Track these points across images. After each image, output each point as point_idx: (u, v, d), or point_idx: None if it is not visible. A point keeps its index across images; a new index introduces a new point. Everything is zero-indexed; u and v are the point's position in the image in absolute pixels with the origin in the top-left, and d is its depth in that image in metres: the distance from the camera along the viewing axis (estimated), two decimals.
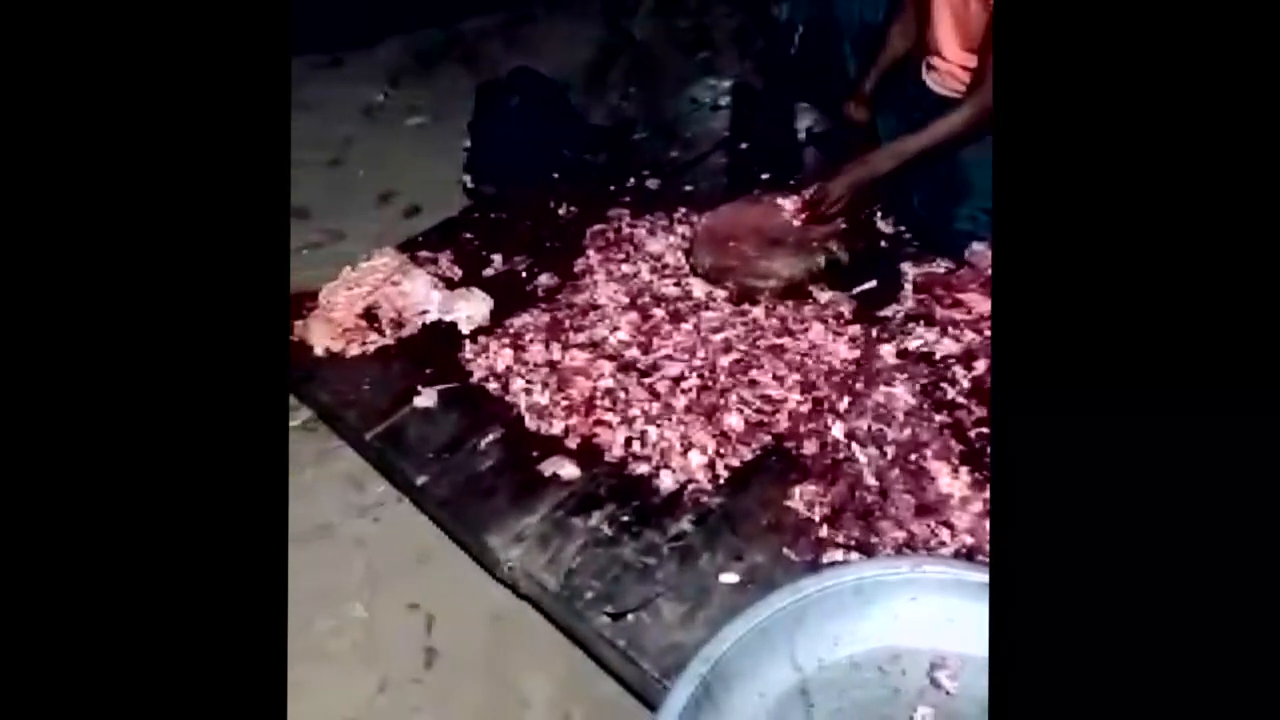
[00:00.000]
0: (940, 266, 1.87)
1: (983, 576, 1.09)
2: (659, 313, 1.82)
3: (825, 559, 1.34)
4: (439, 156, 2.57)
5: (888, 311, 1.78)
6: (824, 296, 1.86)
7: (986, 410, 1.43)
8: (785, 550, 1.37)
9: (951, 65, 1.98)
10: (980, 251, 1.81)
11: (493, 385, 1.73)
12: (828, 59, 2.44)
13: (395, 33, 3.35)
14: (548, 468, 1.55)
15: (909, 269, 1.87)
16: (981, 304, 1.68)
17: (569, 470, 1.54)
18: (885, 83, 2.11)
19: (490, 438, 1.62)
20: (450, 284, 2.01)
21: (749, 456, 1.53)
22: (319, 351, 1.85)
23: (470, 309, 1.91)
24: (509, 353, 1.77)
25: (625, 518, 1.46)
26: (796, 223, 2.01)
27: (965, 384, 1.49)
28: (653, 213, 2.18)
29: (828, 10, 2.35)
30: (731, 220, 2.06)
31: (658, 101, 2.81)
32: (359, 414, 1.72)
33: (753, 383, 1.65)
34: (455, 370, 1.78)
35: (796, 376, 1.65)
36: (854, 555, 1.33)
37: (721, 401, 1.61)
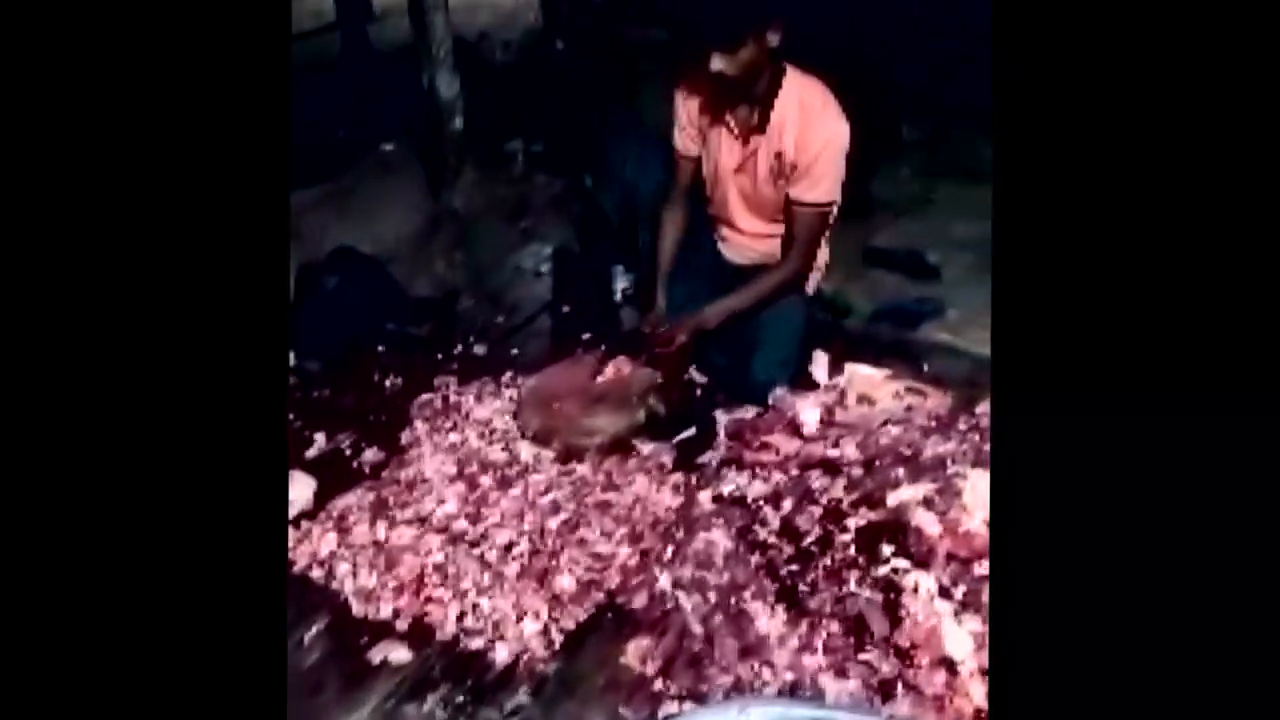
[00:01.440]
0: (749, 412, 2.01)
1: (806, 710, 1.15)
2: (487, 480, 1.85)
3: (660, 713, 1.36)
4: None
5: (704, 458, 1.89)
6: (646, 448, 1.95)
7: (795, 548, 1.53)
8: (622, 710, 1.38)
9: (746, 236, 2.20)
10: (781, 395, 1.97)
11: (316, 573, 1.68)
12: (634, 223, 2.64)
13: None
14: (377, 654, 1.50)
15: (721, 416, 1.99)
16: (787, 445, 1.82)
17: (399, 654, 1.50)
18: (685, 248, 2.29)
19: (315, 629, 1.56)
20: None
21: (582, 617, 1.55)
22: None
23: (292, 494, 1.87)
24: (333, 536, 1.74)
25: (460, 699, 1.43)
26: (621, 374, 2.12)
27: (775, 524, 1.59)
28: (479, 379, 2.24)
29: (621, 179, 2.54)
30: (555, 381, 2.15)
31: (481, 269, 2.92)
32: None
33: (582, 541, 1.68)
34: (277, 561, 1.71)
35: (624, 530, 1.70)
36: (687, 705, 1.36)
37: (553, 564, 1.63)
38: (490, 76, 4.84)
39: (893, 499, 1.56)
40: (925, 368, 2.16)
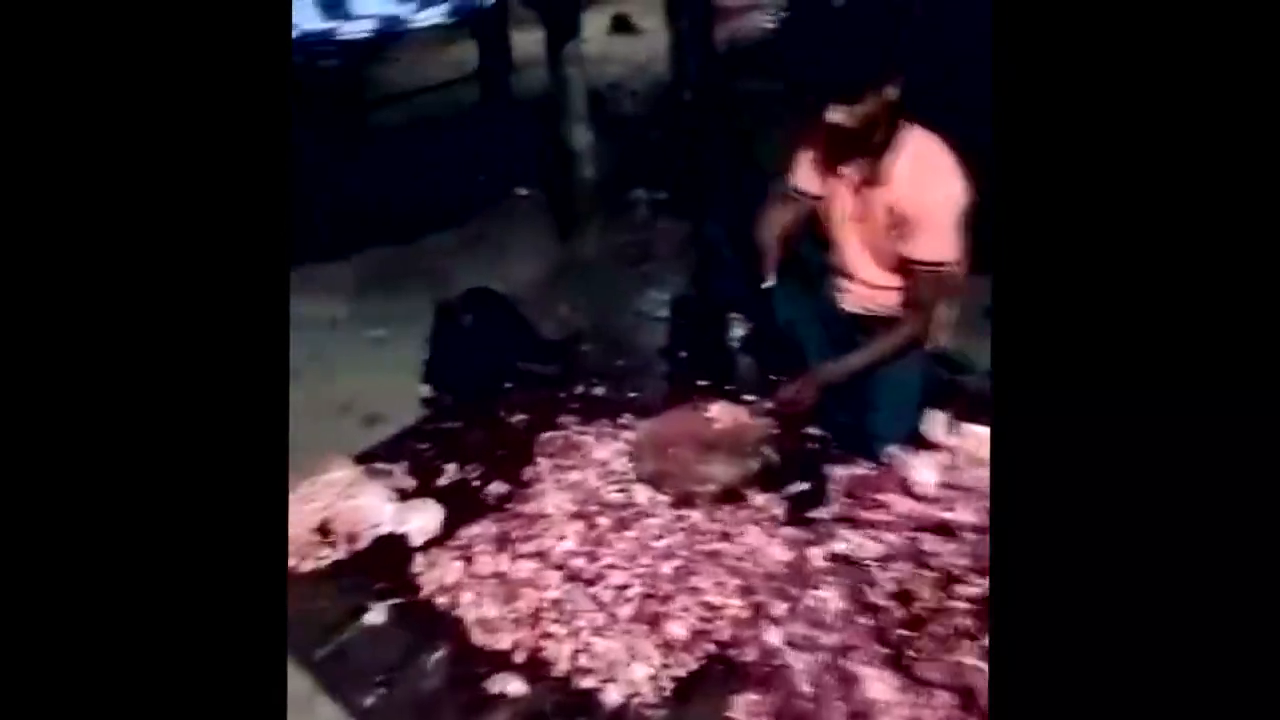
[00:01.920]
0: (864, 469, 2.00)
1: None
2: (604, 520, 1.92)
3: None
4: (397, 369, 2.72)
5: (816, 514, 1.89)
6: (758, 499, 1.97)
7: (908, 612, 1.52)
8: None
9: (866, 287, 2.21)
10: (897, 453, 1.96)
11: (442, 599, 1.78)
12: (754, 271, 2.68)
13: (358, 249, 3.60)
14: (495, 685, 1.58)
15: (834, 471, 2.00)
16: (900, 504, 1.81)
17: (516, 687, 1.57)
18: (800, 293, 2.30)
19: (438, 655, 1.66)
20: (404, 495, 2.09)
21: (693, 666, 1.58)
22: None
23: (422, 520, 1.98)
24: (459, 565, 1.84)
25: None
26: (730, 426, 2.16)
27: (888, 586, 1.59)
28: (599, 420, 2.32)
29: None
30: (671, 427, 2.21)
31: (604, 313, 3.03)
32: (309, 631, 1.74)
33: (694, 589, 1.72)
34: (406, 584, 1.83)
35: (736, 581, 1.73)
36: None
37: (665, 610, 1.68)
38: (618, 126, 5.02)
39: None
40: None
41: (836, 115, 1.89)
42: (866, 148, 2.00)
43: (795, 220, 2.24)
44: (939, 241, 1.97)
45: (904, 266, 2.05)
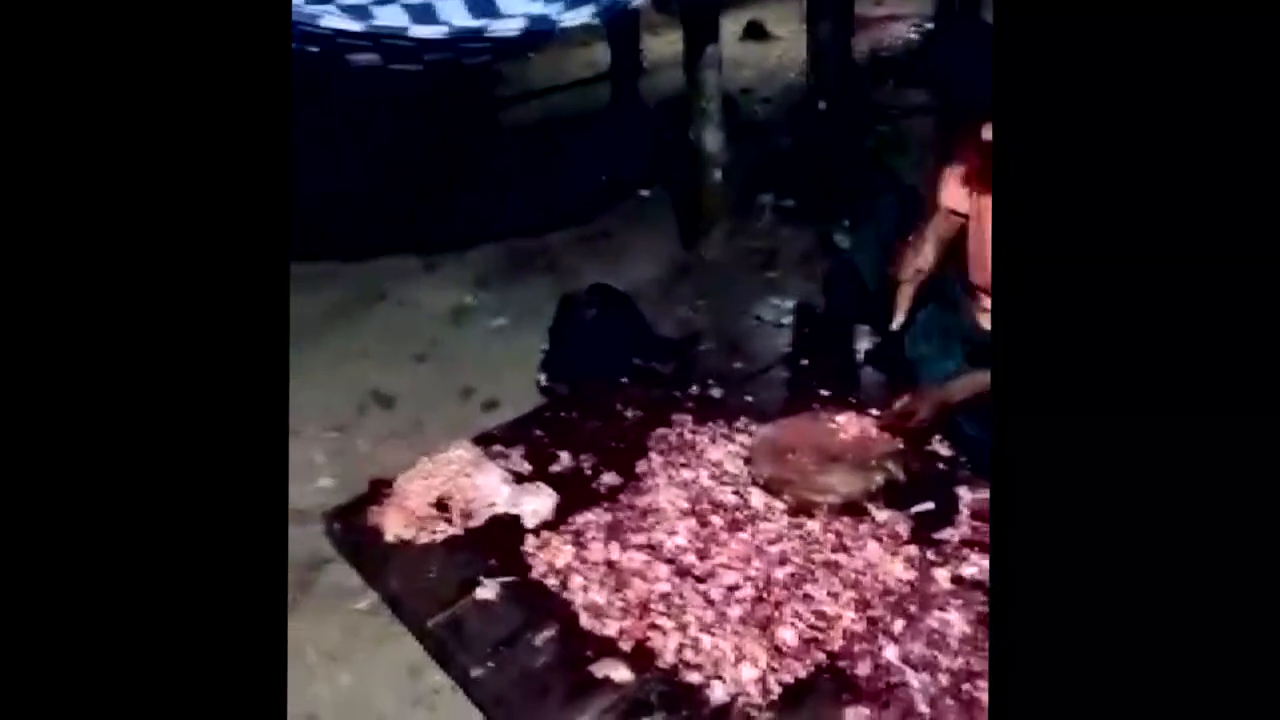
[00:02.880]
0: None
1: None
2: (717, 520, 1.89)
3: None
4: (518, 357, 2.76)
5: (943, 535, 1.81)
6: (881, 515, 1.90)
7: None
8: None
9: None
10: None
11: (552, 581, 1.79)
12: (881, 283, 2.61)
13: (486, 241, 3.69)
14: (600, 669, 1.57)
15: (964, 493, 1.91)
16: None
17: (621, 673, 1.56)
18: (933, 313, 2.23)
19: (546, 634, 1.66)
20: (519, 478, 2.11)
21: (802, 673, 1.53)
22: (390, 538, 1.94)
23: (536, 504, 2.00)
24: (570, 549, 1.84)
25: None
26: (862, 434, 2.09)
27: None
28: (714, 421, 2.29)
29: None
30: (791, 434, 2.16)
31: (724, 317, 3.00)
32: (422, 602, 1.78)
33: (807, 597, 1.67)
34: (518, 564, 1.84)
35: (851, 594, 1.67)
36: None
37: (776, 614, 1.64)
38: (748, 132, 4.99)
39: None
40: None
41: (988, 133, 1.82)
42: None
43: (937, 250, 2.17)
44: None
45: None
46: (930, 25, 5.91)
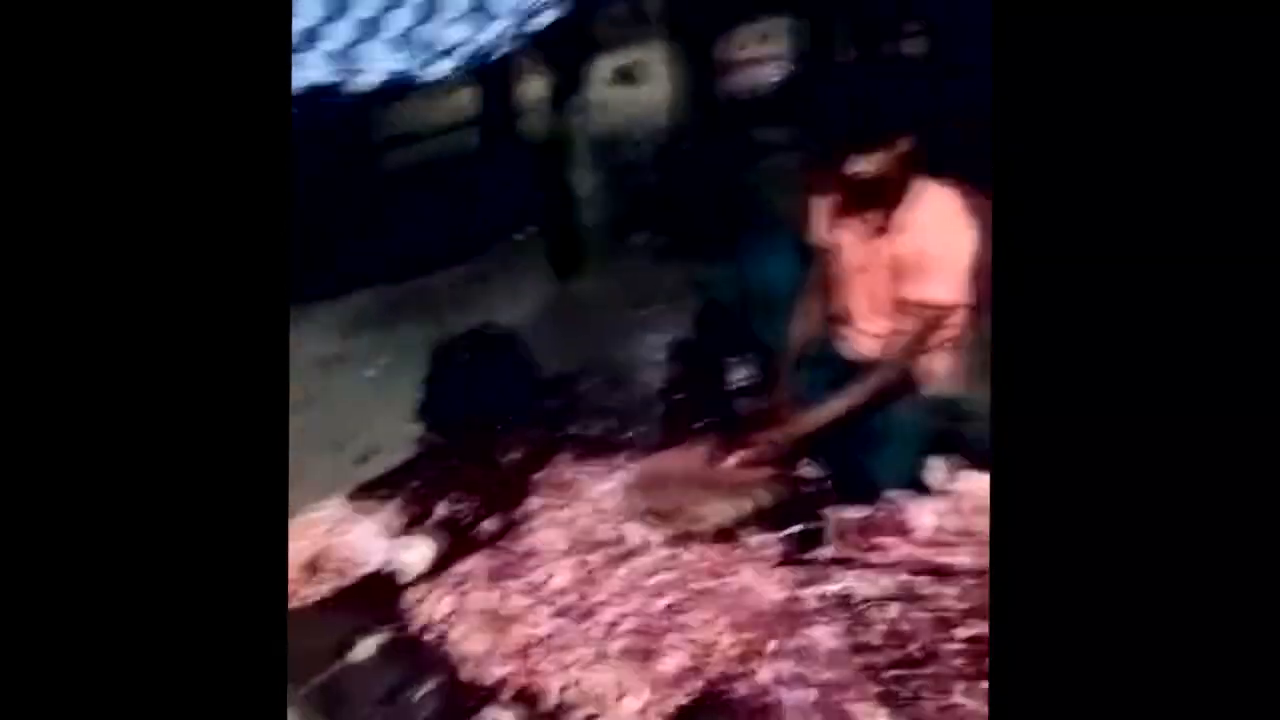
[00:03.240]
0: (861, 512, 2.00)
1: None
2: (596, 557, 1.91)
3: None
4: (394, 406, 2.72)
5: (812, 555, 1.88)
6: (753, 540, 1.96)
7: (901, 654, 1.51)
8: None
9: (870, 337, 2.22)
10: (895, 498, 1.95)
11: (432, 634, 1.76)
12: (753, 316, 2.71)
13: (359, 287, 3.63)
14: (484, 718, 1.55)
15: (831, 513, 1.99)
16: (897, 548, 1.80)
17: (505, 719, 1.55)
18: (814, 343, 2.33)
19: (427, 688, 1.63)
20: (396, 531, 2.08)
21: (683, 701, 1.56)
22: None
23: (414, 556, 1.97)
24: (449, 600, 1.82)
25: None
26: (732, 463, 2.16)
27: (881, 626, 1.58)
28: (594, 458, 2.31)
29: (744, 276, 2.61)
30: (667, 466, 2.20)
31: (601, 354, 3.04)
32: (295, 668, 1.71)
33: (686, 626, 1.71)
34: (396, 619, 1.81)
35: (727, 619, 1.72)
36: None
37: (656, 646, 1.66)
38: (622, 171, 5.09)
39: None
40: None
41: (854, 166, 1.93)
42: (879, 198, 2.03)
43: (817, 313, 2.28)
44: (938, 284, 1.99)
45: (903, 308, 2.07)
46: (791, 67, 6.21)
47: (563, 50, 3.10)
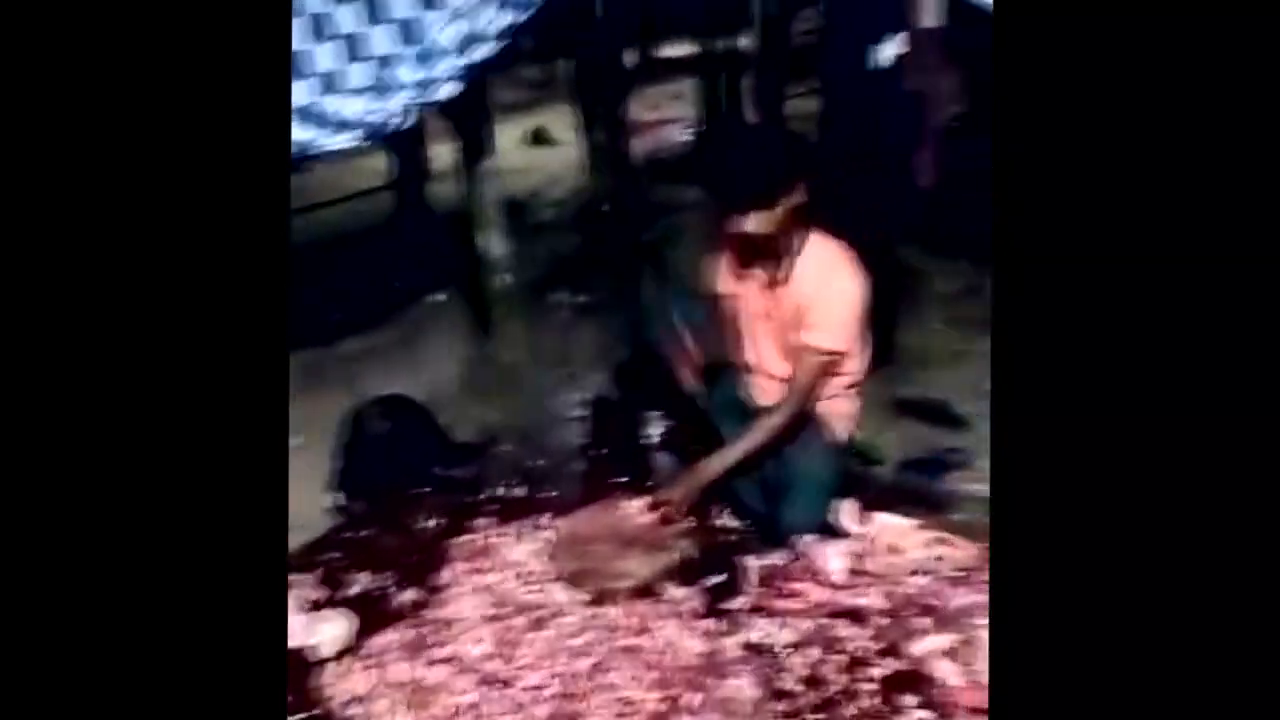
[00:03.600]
0: (779, 559, 2.04)
1: None
2: (520, 621, 1.90)
3: None
4: (310, 477, 2.67)
5: (732, 605, 1.92)
6: (676, 593, 1.98)
7: (819, 697, 1.54)
8: None
9: (775, 383, 2.29)
10: (810, 543, 2.01)
11: (354, 710, 1.72)
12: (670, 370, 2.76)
13: None
14: None
15: (750, 562, 2.03)
16: (815, 593, 1.85)
17: None
18: (717, 393, 2.39)
19: None
20: (315, 606, 2.03)
21: None
22: None
23: (333, 631, 1.92)
24: (371, 674, 1.78)
25: None
26: (647, 522, 2.18)
27: (800, 672, 1.61)
28: (516, 521, 2.31)
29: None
30: (589, 524, 2.22)
31: (522, 415, 3.05)
32: None
33: (611, 685, 1.71)
34: (315, 698, 1.76)
35: (653, 675, 1.72)
36: None
37: (582, 707, 1.66)
38: (540, 233, 5.16)
39: (917, 649, 1.58)
40: (955, 518, 2.19)
41: (745, 223, 2.02)
42: (773, 251, 2.13)
43: (717, 327, 2.35)
44: (828, 331, 2.07)
45: (795, 355, 2.15)
46: (702, 127, 6.43)
47: (469, 116, 3.15)
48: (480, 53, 2.32)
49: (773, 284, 2.17)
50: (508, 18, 2.34)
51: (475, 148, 3.23)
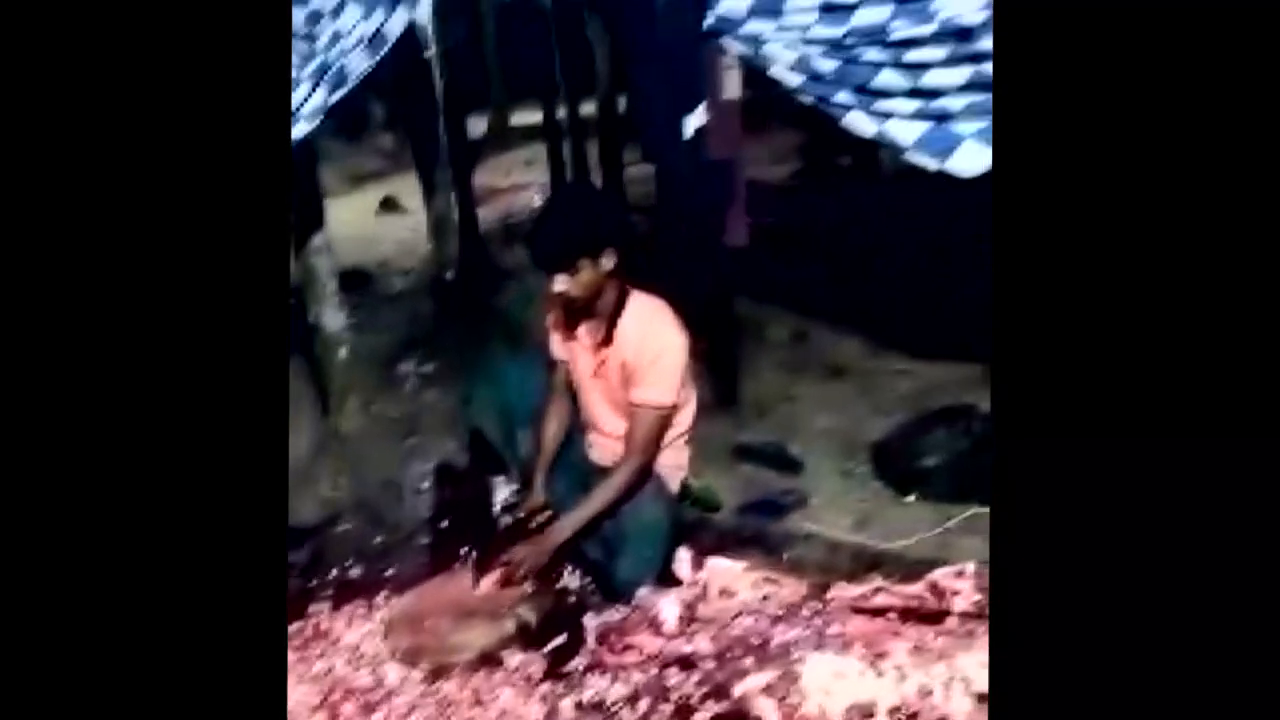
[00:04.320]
0: (616, 614, 2.06)
1: None
2: (349, 707, 1.83)
3: None
4: None
5: (571, 665, 1.92)
6: (515, 660, 1.96)
7: None
8: None
9: (612, 439, 2.34)
10: (646, 595, 2.04)
11: None
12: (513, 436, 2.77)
13: None
14: None
15: (590, 620, 2.04)
16: (649, 644, 1.87)
17: None
18: (564, 453, 2.42)
19: None
20: None
21: None
22: None
23: None
24: None
25: None
26: (493, 584, 2.16)
27: None
28: (352, 602, 2.24)
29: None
30: (426, 599, 2.17)
31: (366, 489, 2.98)
32: None
33: None
34: None
35: None
36: None
37: None
38: (387, 301, 5.10)
39: (739, 689, 1.62)
40: (785, 557, 2.27)
41: (559, 285, 2.08)
42: (593, 311, 2.19)
43: (563, 417, 2.39)
44: (657, 386, 2.15)
45: (629, 411, 2.21)
46: (548, 192, 6.56)
47: (300, 189, 3.11)
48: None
49: (597, 344, 2.23)
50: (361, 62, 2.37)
51: (307, 223, 3.19)
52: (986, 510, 2.50)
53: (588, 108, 5.88)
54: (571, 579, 2.27)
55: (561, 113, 6.02)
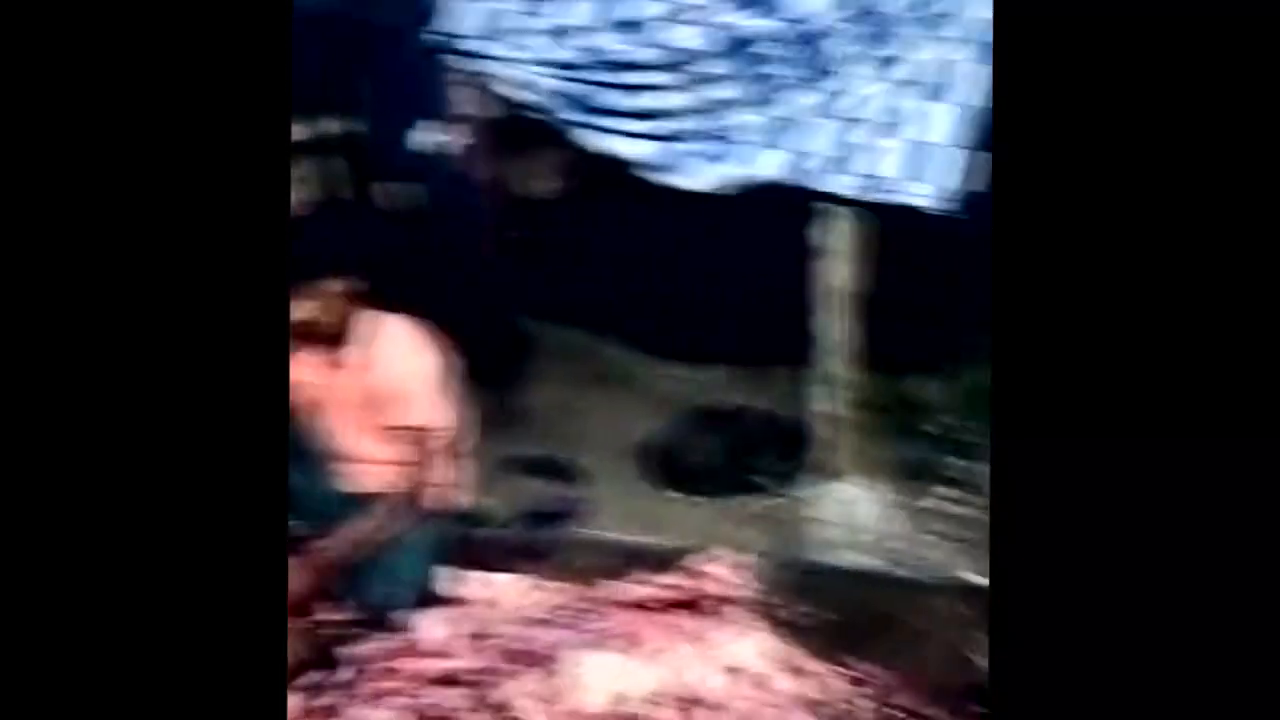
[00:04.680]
0: (382, 638, 1.97)
1: None
2: None
3: None
4: None
5: (331, 698, 1.81)
6: None
7: None
8: None
9: (363, 462, 2.23)
10: (404, 616, 1.97)
11: None
12: None
13: None
14: None
15: (347, 650, 1.93)
16: (410, 665, 1.81)
17: None
18: (306, 486, 2.27)
19: None
20: None
21: None
22: None
23: None
24: None
25: None
26: None
27: None
28: None
29: None
30: None
31: None
32: None
33: None
34: None
35: None
36: None
37: None
38: None
39: (503, 696, 1.61)
40: (556, 562, 2.28)
41: (296, 311, 1.96)
42: (330, 337, 2.10)
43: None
44: (414, 409, 2.09)
45: (391, 437, 2.13)
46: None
47: None
48: None
49: (332, 368, 2.13)
50: None
51: None
52: (752, 500, 2.65)
53: (355, 124, 5.64)
54: (329, 613, 2.14)
55: (320, 129, 5.74)
